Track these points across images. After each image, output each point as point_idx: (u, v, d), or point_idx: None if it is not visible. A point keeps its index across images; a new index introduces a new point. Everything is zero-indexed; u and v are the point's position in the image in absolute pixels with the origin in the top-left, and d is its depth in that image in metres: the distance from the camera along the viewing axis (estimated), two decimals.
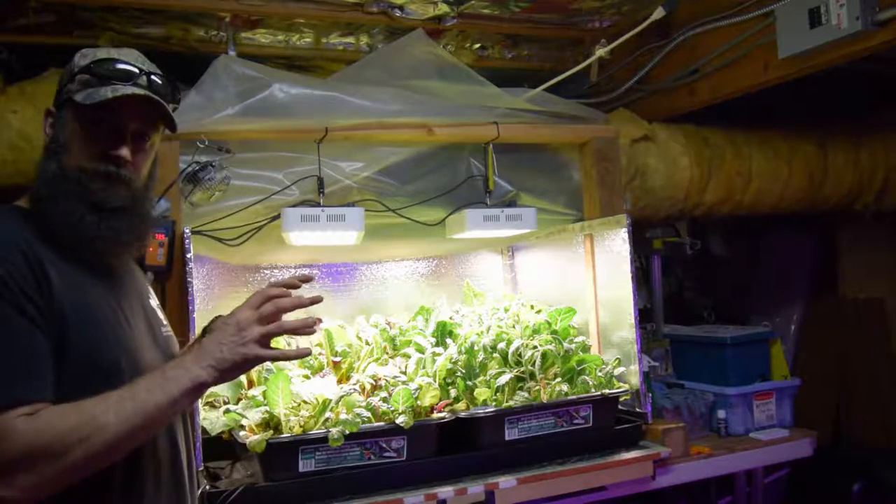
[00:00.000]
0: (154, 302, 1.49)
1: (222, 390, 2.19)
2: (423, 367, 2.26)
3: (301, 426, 1.98)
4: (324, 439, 1.95)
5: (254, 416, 1.97)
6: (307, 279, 1.44)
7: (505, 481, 2.11)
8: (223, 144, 2.35)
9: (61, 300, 1.17)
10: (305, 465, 1.97)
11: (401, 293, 2.97)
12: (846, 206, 3.60)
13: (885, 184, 3.53)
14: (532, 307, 2.71)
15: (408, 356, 2.33)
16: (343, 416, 1.99)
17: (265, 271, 2.75)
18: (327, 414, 2.00)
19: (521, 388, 2.27)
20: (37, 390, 1.11)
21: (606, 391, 2.32)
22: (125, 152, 1.29)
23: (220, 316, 1.41)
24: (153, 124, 1.35)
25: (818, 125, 3.47)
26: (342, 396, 2.05)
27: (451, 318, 2.58)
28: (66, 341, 1.17)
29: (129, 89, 1.28)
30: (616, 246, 2.49)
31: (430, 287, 3.03)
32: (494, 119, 2.66)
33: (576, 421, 2.28)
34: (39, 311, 1.14)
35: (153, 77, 1.33)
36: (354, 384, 2.17)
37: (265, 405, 2.01)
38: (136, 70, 1.32)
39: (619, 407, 2.42)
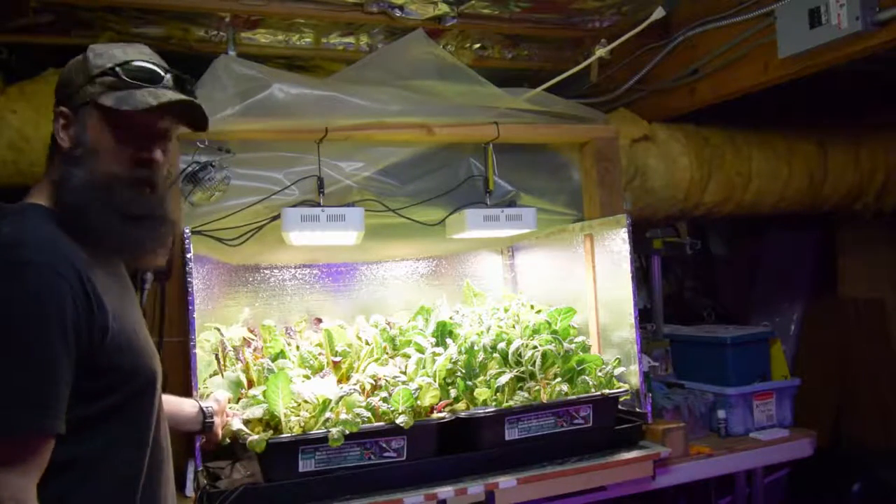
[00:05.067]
0: None
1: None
2: (423, 367, 2.26)
3: (301, 426, 1.98)
4: (324, 439, 1.95)
5: (255, 412, 1.97)
6: None
7: (505, 481, 2.11)
8: (223, 144, 2.35)
9: (109, 317, 1.22)
10: (305, 465, 1.97)
11: (401, 293, 2.97)
12: (846, 206, 3.60)
13: (885, 184, 3.53)
14: (532, 307, 2.71)
15: (408, 356, 2.33)
16: (343, 416, 1.99)
17: (265, 271, 2.75)
18: (327, 414, 2.00)
19: (521, 388, 2.27)
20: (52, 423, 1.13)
21: (606, 391, 2.32)
22: (159, 156, 1.32)
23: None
24: (178, 124, 1.38)
25: (818, 125, 3.47)
26: (342, 396, 2.05)
27: (451, 318, 2.58)
28: (116, 356, 1.23)
29: (173, 95, 1.30)
30: (616, 246, 2.49)
31: (430, 287, 3.03)
32: (494, 119, 2.66)
33: (576, 421, 2.28)
34: (81, 336, 1.17)
35: (177, 76, 1.35)
36: (354, 384, 2.17)
37: (265, 404, 2.01)
38: (162, 71, 1.33)
39: (620, 407, 2.42)
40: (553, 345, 2.33)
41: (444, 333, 2.47)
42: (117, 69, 1.28)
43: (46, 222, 1.24)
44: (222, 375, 2.19)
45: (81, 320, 1.17)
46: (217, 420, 1.85)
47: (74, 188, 1.25)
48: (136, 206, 1.29)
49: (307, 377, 2.17)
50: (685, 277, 4.47)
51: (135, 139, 1.30)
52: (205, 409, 1.82)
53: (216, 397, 1.92)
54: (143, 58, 1.33)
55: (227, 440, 1.94)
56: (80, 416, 1.18)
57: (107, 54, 1.31)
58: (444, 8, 2.51)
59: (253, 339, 2.36)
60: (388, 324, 2.54)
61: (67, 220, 1.25)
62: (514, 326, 2.50)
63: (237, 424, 1.94)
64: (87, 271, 1.20)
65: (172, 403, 1.75)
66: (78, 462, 1.19)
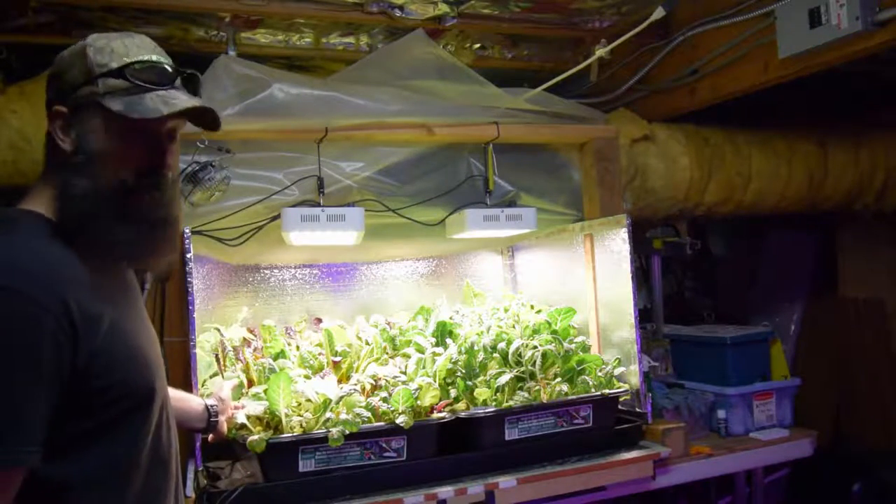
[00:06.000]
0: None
1: None
2: (423, 367, 2.26)
3: (302, 426, 1.98)
4: (324, 439, 1.95)
5: (255, 409, 1.97)
6: None
7: (505, 481, 2.11)
8: (223, 144, 2.35)
9: (100, 338, 1.14)
10: (305, 465, 1.97)
11: (401, 293, 2.97)
12: (846, 206, 3.60)
13: (885, 184, 3.53)
14: (532, 307, 2.71)
15: (408, 356, 2.33)
16: (343, 416, 1.99)
17: (265, 271, 2.75)
18: (327, 414, 2.00)
19: (521, 388, 2.27)
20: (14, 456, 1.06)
21: (606, 391, 2.32)
22: (169, 160, 1.25)
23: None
24: (185, 123, 1.30)
25: (818, 125, 3.47)
26: (342, 396, 2.05)
27: (451, 318, 2.58)
28: (106, 375, 1.16)
29: (185, 101, 1.22)
30: (616, 246, 2.49)
31: (430, 287, 3.03)
32: (494, 119, 2.66)
33: (576, 421, 2.28)
34: (62, 364, 1.09)
35: (186, 74, 1.27)
36: (355, 384, 2.17)
37: (266, 402, 2.00)
38: (170, 69, 1.24)
39: (619, 407, 2.42)
40: (553, 345, 2.33)
41: (444, 333, 2.47)
42: (125, 71, 1.19)
43: (36, 235, 1.16)
44: (222, 376, 2.19)
45: (63, 349, 1.09)
46: (222, 418, 1.84)
47: (79, 198, 1.17)
48: (145, 213, 1.22)
49: (307, 377, 2.16)
50: (685, 277, 4.47)
51: (144, 145, 1.22)
52: (210, 407, 1.80)
53: (220, 395, 1.90)
54: (147, 54, 1.23)
55: (234, 431, 1.93)
56: (70, 438, 1.13)
57: (108, 50, 1.21)
58: (444, 8, 2.51)
59: (253, 339, 2.36)
60: (388, 324, 2.54)
61: (72, 232, 1.18)
62: (514, 326, 2.50)
63: (242, 418, 1.94)
64: (77, 291, 1.12)
65: (181, 400, 1.72)
66: (68, 482, 1.13)
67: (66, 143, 1.20)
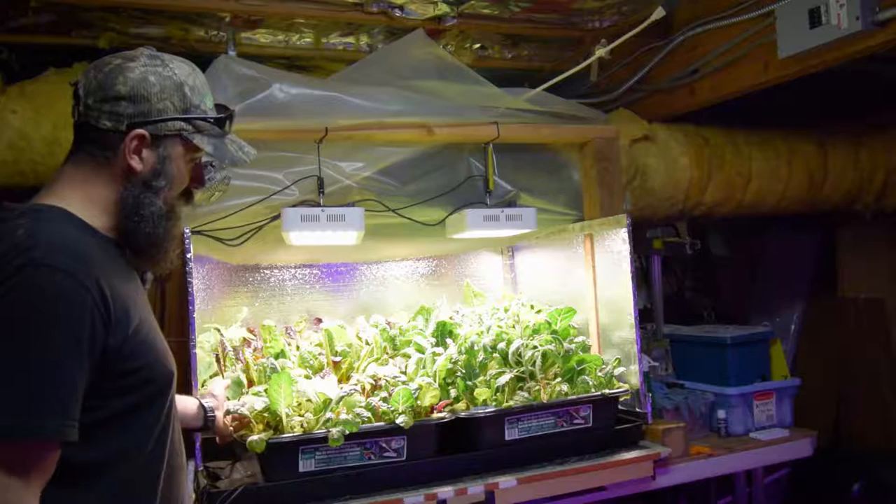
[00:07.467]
0: None
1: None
2: (423, 367, 2.26)
3: (302, 426, 1.98)
4: (324, 439, 1.95)
5: (257, 404, 1.97)
6: None
7: (505, 481, 2.11)
8: None
9: (129, 323, 1.20)
10: (305, 465, 1.97)
11: (401, 293, 2.97)
12: (846, 206, 3.60)
13: (885, 184, 3.53)
14: (532, 307, 2.71)
15: (408, 356, 2.33)
16: (343, 416, 1.99)
17: (265, 271, 2.75)
18: (328, 414, 2.00)
19: (521, 388, 2.27)
20: (56, 430, 1.09)
21: (606, 391, 2.32)
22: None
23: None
24: None
25: (818, 125, 3.47)
26: (343, 396, 2.05)
27: (451, 318, 2.58)
28: (134, 359, 1.20)
29: (249, 150, 1.42)
30: (616, 246, 2.49)
31: (430, 287, 3.03)
32: (494, 119, 2.66)
33: (576, 421, 2.28)
34: (96, 345, 1.13)
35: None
36: (355, 384, 2.17)
37: (265, 399, 2.00)
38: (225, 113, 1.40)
39: (620, 407, 2.42)
40: (553, 345, 2.33)
41: (444, 333, 2.47)
42: (210, 115, 1.35)
43: (67, 226, 1.20)
44: (222, 376, 2.19)
45: (98, 330, 1.12)
46: (219, 414, 1.84)
47: (153, 216, 1.28)
48: (177, 229, 1.38)
49: (307, 377, 2.16)
50: (685, 277, 4.47)
51: (193, 175, 1.40)
52: (205, 405, 1.81)
53: (213, 392, 1.91)
54: (208, 91, 1.39)
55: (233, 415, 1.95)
56: (99, 420, 1.16)
57: (196, 89, 1.34)
58: (444, 8, 2.51)
59: (253, 339, 2.36)
60: (388, 324, 2.54)
61: (134, 244, 1.29)
62: (514, 326, 2.50)
63: (240, 408, 1.95)
64: (107, 277, 1.17)
65: (177, 402, 1.74)
66: (96, 466, 1.17)
67: (138, 163, 1.27)
